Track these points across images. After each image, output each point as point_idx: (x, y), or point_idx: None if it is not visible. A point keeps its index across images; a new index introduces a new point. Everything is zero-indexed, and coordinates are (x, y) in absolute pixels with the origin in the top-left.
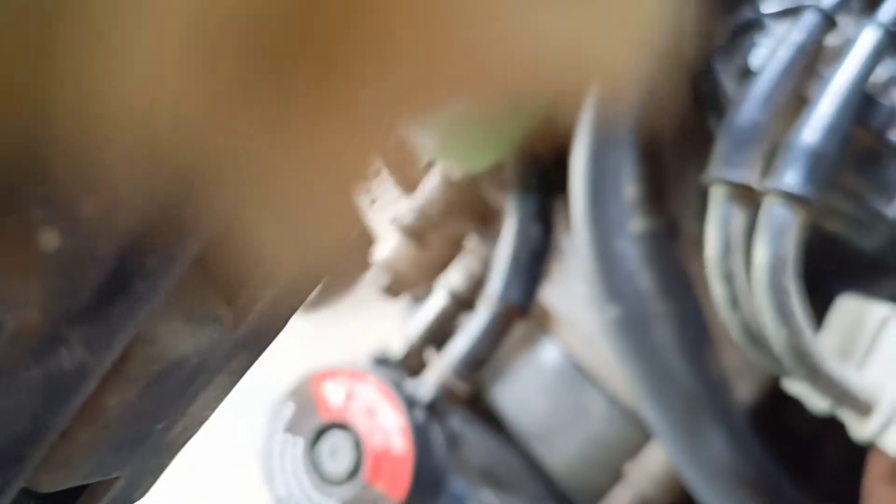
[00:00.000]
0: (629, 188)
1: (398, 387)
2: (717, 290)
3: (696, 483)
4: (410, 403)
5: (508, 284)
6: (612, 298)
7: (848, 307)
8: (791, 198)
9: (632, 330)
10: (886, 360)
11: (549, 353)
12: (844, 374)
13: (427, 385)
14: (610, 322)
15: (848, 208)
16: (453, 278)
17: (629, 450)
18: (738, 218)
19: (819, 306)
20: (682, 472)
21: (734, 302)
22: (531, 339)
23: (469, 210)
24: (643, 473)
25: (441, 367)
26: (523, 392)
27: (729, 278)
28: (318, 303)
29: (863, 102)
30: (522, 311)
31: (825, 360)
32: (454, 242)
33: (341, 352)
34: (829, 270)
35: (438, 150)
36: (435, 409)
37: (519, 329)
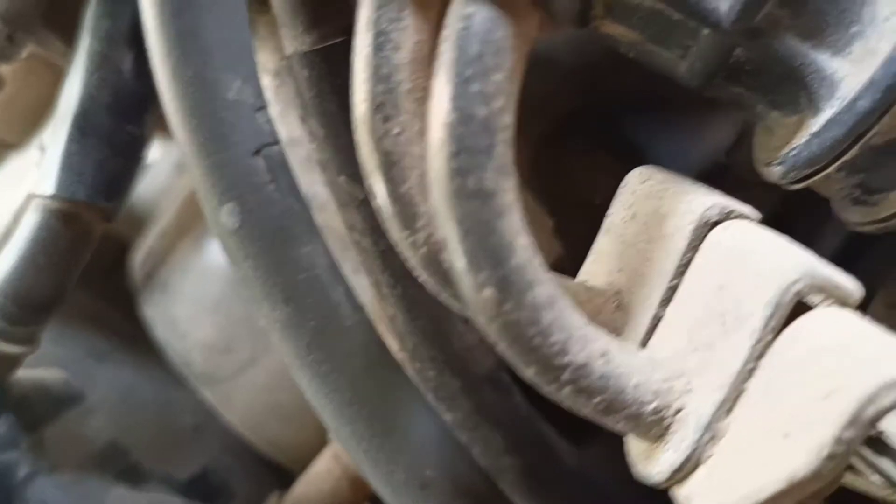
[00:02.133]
0: None
1: None
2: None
3: (394, 499)
4: None
5: (67, 168)
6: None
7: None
8: None
9: (259, 245)
10: (695, 316)
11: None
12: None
13: None
14: (224, 234)
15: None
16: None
17: None
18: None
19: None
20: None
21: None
22: (195, 236)
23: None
24: None
25: None
26: (185, 310)
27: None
28: None
29: None
30: (101, 211)
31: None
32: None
33: None
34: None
35: None
36: None
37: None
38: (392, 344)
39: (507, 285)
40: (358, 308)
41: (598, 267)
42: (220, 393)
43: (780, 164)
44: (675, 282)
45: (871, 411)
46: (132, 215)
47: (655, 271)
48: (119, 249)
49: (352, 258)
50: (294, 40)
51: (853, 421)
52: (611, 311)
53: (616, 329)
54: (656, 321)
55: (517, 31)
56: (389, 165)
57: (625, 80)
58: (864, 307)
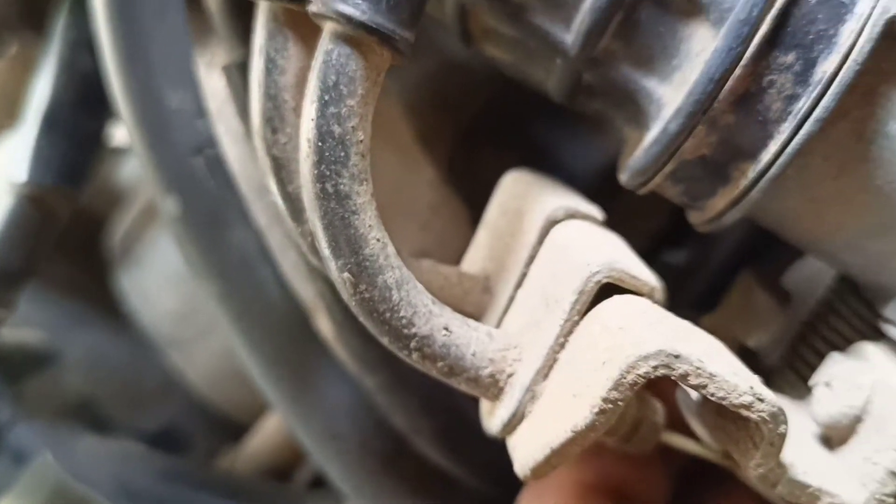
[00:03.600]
0: None
1: None
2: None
3: (311, 448)
4: None
5: (38, 157)
6: (169, 187)
7: (511, 188)
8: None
9: (198, 230)
10: (534, 299)
11: None
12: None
13: None
14: (170, 220)
15: (511, 31)
16: None
17: None
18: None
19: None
20: (294, 434)
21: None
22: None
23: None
24: None
25: None
26: (155, 282)
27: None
28: None
29: None
30: (67, 195)
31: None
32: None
33: None
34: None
35: None
36: None
37: None
38: (321, 317)
39: (361, 270)
40: (283, 285)
41: (475, 255)
42: (183, 356)
43: (623, 172)
44: (526, 270)
45: (631, 377)
46: (112, 195)
47: (514, 261)
48: (98, 226)
49: (278, 241)
50: (231, 52)
51: (617, 384)
52: (479, 293)
53: (483, 308)
54: (510, 302)
55: (368, 64)
56: (278, 169)
57: (529, 90)
58: (718, 293)
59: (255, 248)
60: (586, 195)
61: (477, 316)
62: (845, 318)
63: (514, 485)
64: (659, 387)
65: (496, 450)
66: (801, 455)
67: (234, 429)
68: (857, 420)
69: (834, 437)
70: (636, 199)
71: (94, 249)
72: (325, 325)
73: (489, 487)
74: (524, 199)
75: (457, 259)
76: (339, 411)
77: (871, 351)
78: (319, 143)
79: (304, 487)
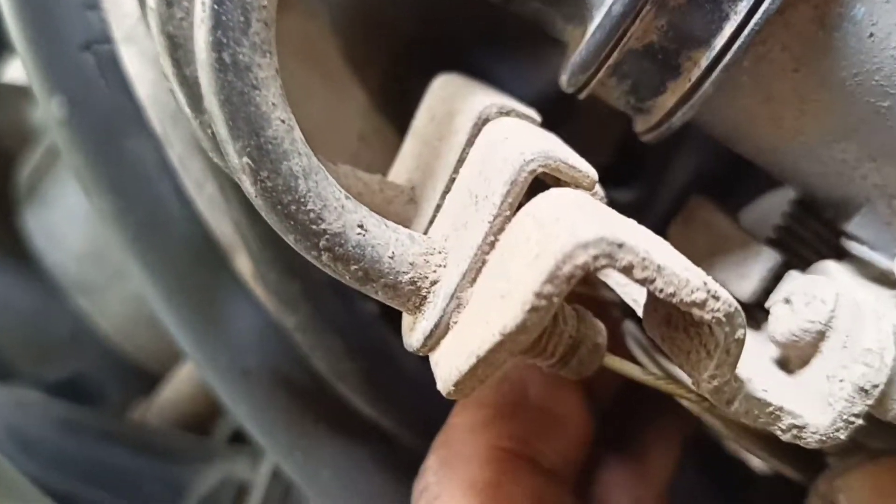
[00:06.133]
0: None
1: None
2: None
3: (218, 385)
4: None
5: None
6: (54, 88)
7: (440, 92)
8: None
9: (86, 136)
10: (461, 200)
11: None
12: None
13: None
14: (54, 125)
15: None
16: None
17: None
18: None
19: None
20: (198, 369)
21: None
22: None
23: None
24: None
25: None
26: (61, 221)
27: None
28: None
29: None
30: None
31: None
32: None
33: None
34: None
35: None
36: None
37: None
38: (240, 256)
39: (263, 154)
40: (186, 202)
41: (401, 166)
42: (93, 302)
43: (564, 72)
44: (455, 175)
45: (567, 268)
46: (21, 133)
47: (442, 166)
48: (7, 166)
49: (195, 174)
50: None
51: (551, 277)
52: (403, 203)
53: (407, 219)
54: (437, 211)
55: None
56: (174, 48)
57: (466, 8)
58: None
59: (155, 161)
60: None
61: None
62: (804, 239)
63: None
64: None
65: (429, 398)
66: (760, 373)
67: (149, 379)
68: (820, 337)
69: (793, 358)
70: (581, 132)
71: (3, 191)
72: (243, 264)
73: (420, 441)
74: (454, 101)
75: None
76: (250, 344)
77: (832, 267)
78: (215, 6)
79: (223, 442)
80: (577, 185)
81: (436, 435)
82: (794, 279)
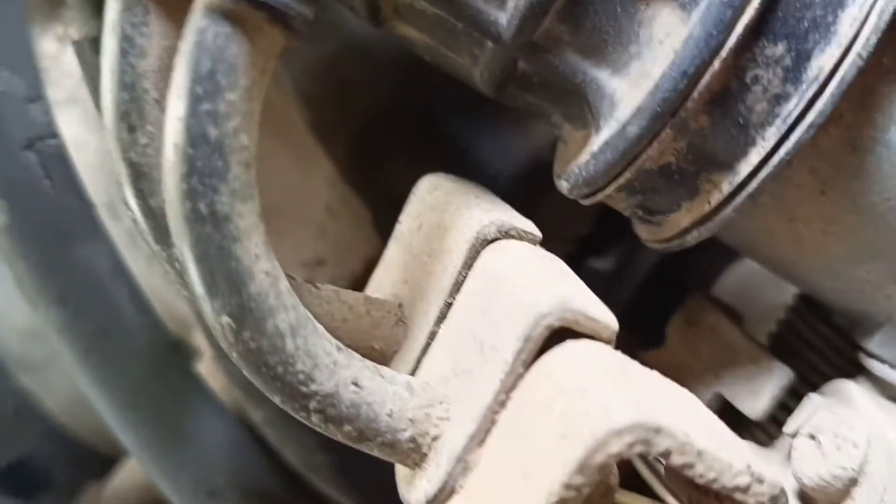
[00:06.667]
0: None
1: None
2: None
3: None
4: None
5: None
6: None
7: (428, 197)
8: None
9: (30, 245)
10: (463, 339)
11: None
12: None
13: None
14: None
15: (432, 8)
16: None
17: None
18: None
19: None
20: (156, 485)
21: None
22: None
23: None
24: None
25: None
26: (1, 294)
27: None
28: None
29: None
30: None
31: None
32: None
33: None
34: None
35: None
36: None
37: None
38: (197, 335)
39: (246, 313)
40: (144, 310)
41: (385, 276)
42: (37, 379)
43: (565, 179)
44: (451, 300)
45: (599, 458)
46: None
47: (434, 287)
48: None
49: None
50: (83, 24)
51: (581, 468)
52: (391, 325)
53: (395, 343)
54: (432, 338)
55: (254, 48)
56: (137, 177)
57: (441, 74)
58: (664, 322)
59: (109, 267)
60: (505, 197)
61: (388, 353)
62: (813, 344)
63: None
64: None
65: None
66: None
67: (100, 462)
68: (852, 483)
69: (820, 500)
70: (561, 203)
71: None
72: (201, 344)
73: None
74: (444, 211)
75: (358, 268)
76: (216, 460)
77: (854, 393)
78: (190, 150)
79: None
80: (596, 337)
81: None
82: (816, 408)
